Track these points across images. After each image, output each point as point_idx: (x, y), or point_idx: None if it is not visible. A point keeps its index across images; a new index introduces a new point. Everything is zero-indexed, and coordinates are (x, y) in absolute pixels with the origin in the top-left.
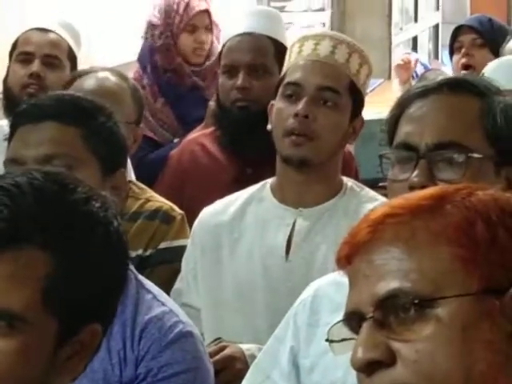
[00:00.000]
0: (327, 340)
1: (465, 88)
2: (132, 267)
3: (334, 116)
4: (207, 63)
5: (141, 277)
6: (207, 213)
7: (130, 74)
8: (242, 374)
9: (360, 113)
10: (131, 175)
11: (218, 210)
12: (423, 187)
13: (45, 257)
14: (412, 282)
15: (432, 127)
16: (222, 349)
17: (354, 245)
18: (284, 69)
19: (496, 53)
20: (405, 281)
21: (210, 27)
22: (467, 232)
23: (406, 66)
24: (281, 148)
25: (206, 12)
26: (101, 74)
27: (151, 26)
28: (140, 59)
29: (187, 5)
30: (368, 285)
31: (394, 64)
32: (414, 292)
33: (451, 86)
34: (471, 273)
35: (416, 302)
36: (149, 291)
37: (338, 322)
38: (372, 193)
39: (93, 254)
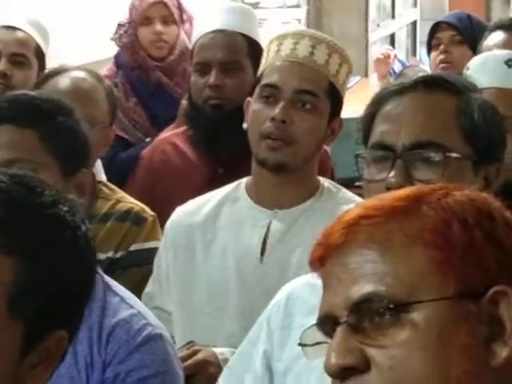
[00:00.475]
0: (300, 344)
1: (441, 86)
2: (99, 269)
3: (311, 119)
4: (171, 57)
5: (108, 279)
6: (180, 213)
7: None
8: (214, 378)
9: (339, 113)
10: (102, 176)
11: (192, 210)
12: (400, 187)
13: (11, 262)
14: (387, 285)
15: (409, 127)
16: (195, 353)
17: (327, 247)
18: (261, 67)
19: (475, 49)
20: (379, 284)
21: (170, 19)
22: (443, 234)
23: (385, 60)
24: (257, 150)
25: (161, 3)
26: (76, 74)
27: (118, 27)
28: (116, 58)
29: None
30: (342, 288)
31: (371, 61)
32: (388, 296)
33: (427, 84)
34: (447, 276)
35: (391, 306)
36: (116, 294)
37: (312, 326)
38: (349, 194)
39: (60, 258)
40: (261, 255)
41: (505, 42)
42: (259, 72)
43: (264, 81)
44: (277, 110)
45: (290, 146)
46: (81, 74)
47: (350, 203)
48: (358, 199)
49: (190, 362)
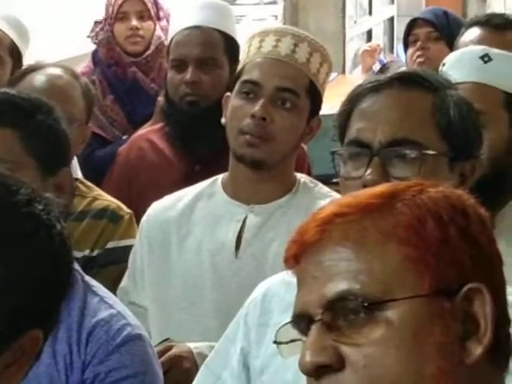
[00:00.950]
0: (275, 342)
1: (417, 83)
2: (79, 268)
3: (291, 118)
4: (147, 53)
5: (88, 278)
6: (156, 208)
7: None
8: (190, 373)
9: (318, 112)
10: (78, 173)
11: (167, 205)
12: (377, 185)
13: None
14: (361, 283)
15: (385, 124)
16: (169, 349)
17: (301, 244)
18: (241, 62)
19: (452, 46)
20: (354, 282)
21: (146, 14)
22: (418, 231)
23: (372, 52)
24: (235, 146)
25: None
26: (52, 71)
27: (95, 24)
28: (93, 55)
29: None
30: (317, 286)
31: (348, 58)
32: (363, 294)
33: (403, 81)
34: (422, 273)
35: (365, 304)
36: (96, 294)
37: (286, 324)
38: (325, 189)
39: (35, 257)
40: (236, 250)
41: (481, 38)
42: (239, 67)
43: (244, 77)
44: (257, 107)
45: (269, 143)
46: (56, 71)
47: (327, 198)
48: (335, 194)
49: (163, 358)
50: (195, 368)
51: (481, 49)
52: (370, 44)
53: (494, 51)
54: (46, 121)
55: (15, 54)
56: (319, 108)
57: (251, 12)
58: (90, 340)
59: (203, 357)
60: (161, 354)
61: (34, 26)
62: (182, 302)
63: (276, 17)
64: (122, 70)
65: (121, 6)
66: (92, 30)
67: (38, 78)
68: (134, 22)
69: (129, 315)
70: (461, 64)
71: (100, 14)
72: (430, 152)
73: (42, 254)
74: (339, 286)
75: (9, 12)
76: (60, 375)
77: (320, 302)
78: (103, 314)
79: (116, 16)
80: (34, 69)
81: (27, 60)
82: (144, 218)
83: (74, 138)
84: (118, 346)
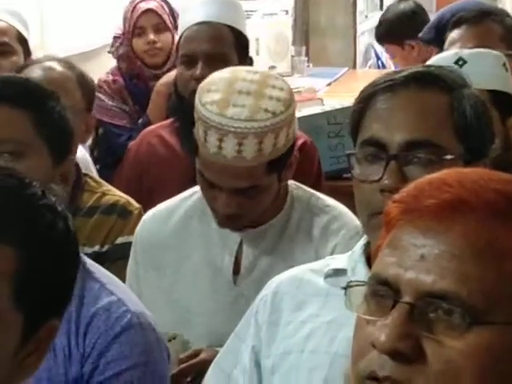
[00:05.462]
0: (344, 287)
1: (433, 83)
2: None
3: (257, 200)
4: (168, 65)
5: (89, 266)
6: (147, 228)
7: (88, 65)
8: None
9: (288, 163)
10: (92, 169)
11: (160, 222)
12: (395, 190)
13: (11, 252)
14: (469, 291)
15: (402, 125)
16: (198, 353)
17: (414, 211)
18: (196, 129)
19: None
20: (463, 286)
21: (162, 26)
22: None
23: None
24: (214, 218)
25: (151, 11)
26: (46, 64)
27: (114, 39)
28: (117, 65)
29: (134, 8)
30: (419, 267)
31: (358, 52)
32: (467, 303)
33: (419, 81)
34: None
35: (464, 313)
36: (97, 280)
37: (363, 284)
38: (320, 201)
39: (55, 247)
40: (234, 274)
41: (468, 37)
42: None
43: (199, 166)
44: (220, 206)
45: (242, 218)
46: (50, 64)
47: (322, 214)
48: (329, 203)
49: (192, 361)
50: None
51: (453, 54)
52: None
53: (465, 53)
54: (56, 107)
55: (23, 41)
56: (289, 156)
57: (261, 7)
58: (88, 331)
59: None
60: (189, 358)
61: (46, 21)
62: (178, 326)
63: (287, 11)
64: (143, 84)
65: (137, 21)
66: (112, 45)
67: (33, 72)
68: (152, 36)
69: (130, 300)
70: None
71: (112, 8)
72: (449, 157)
73: (60, 243)
74: (446, 283)
75: (8, 4)
76: (59, 369)
77: (417, 287)
78: (103, 301)
79: (133, 31)
80: (29, 64)
81: (38, 55)
82: (136, 237)
83: (76, 128)
84: (116, 336)
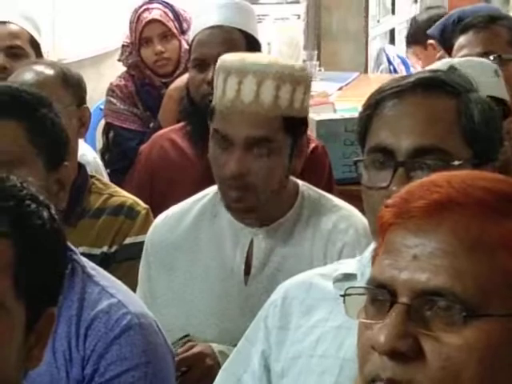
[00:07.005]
0: (342, 295)
1: (439, 88)
2: (80, 258)
3: (268, 164)
4: (177, 72)
5: (90, 269)
6: (158, 231)
7: (100, 68)
8: (212, 370)
9: (302, 136)
10: (102, 172)
11: (172, 225)
12: None
13: (10, 244)
14: (464, 286)
15: (410, 132)
16: (191, 347)
17: (405, 213)
18: (214, 99)
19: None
20: (457, 282)
21: (169, 34)
22: None
23: None
24: (221, 195)
25: (156, 21)
26: (25, 68)
27: (123, 48)
28: (128, 70)
29: (138, 19)
30: (413, 267)
31: (370, 57)
32: (462, 298)
33: (426, 87)
34: None
35: (460, 308)
36: (97, 283)
37: (360, 288)
38: (330, 202)
39: (46, 236)
40: (245, 275)
41: (475, 42)
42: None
43: (215, 124)
44: (232, 164)
45: (251, 192)
46: (29, 66)
47: (331, 214)
48: (340, 205)
49: (185, 354)
50: (217, 365)
51: (445, 63)
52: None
53: (455, 61)
54: (48, 114)
55: (35, 45)
56: (303, 131)
57: (273, 11)
58: (88, 334)
59: (225, 355)
60: (183, 352)
61: (57, 25)
62: (189, 327)
63: (298, 16)
64: (154, 90)
65: (142, 31)
66: (122, 54)
67: (15, 77)
68: (158, 47)
69: (130, 302)
70: None
71: (124, 11)
72: (457, 162)
73: (50, 232)
74: (440, 280)
75: (22, 8)
76: (60, 372)
77: (412, 287)
78: (103, 304)
79: (139, 42)
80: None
81: (51, 58)
82: (148, 240)
83: (70, 129)
84: (116, 337)
